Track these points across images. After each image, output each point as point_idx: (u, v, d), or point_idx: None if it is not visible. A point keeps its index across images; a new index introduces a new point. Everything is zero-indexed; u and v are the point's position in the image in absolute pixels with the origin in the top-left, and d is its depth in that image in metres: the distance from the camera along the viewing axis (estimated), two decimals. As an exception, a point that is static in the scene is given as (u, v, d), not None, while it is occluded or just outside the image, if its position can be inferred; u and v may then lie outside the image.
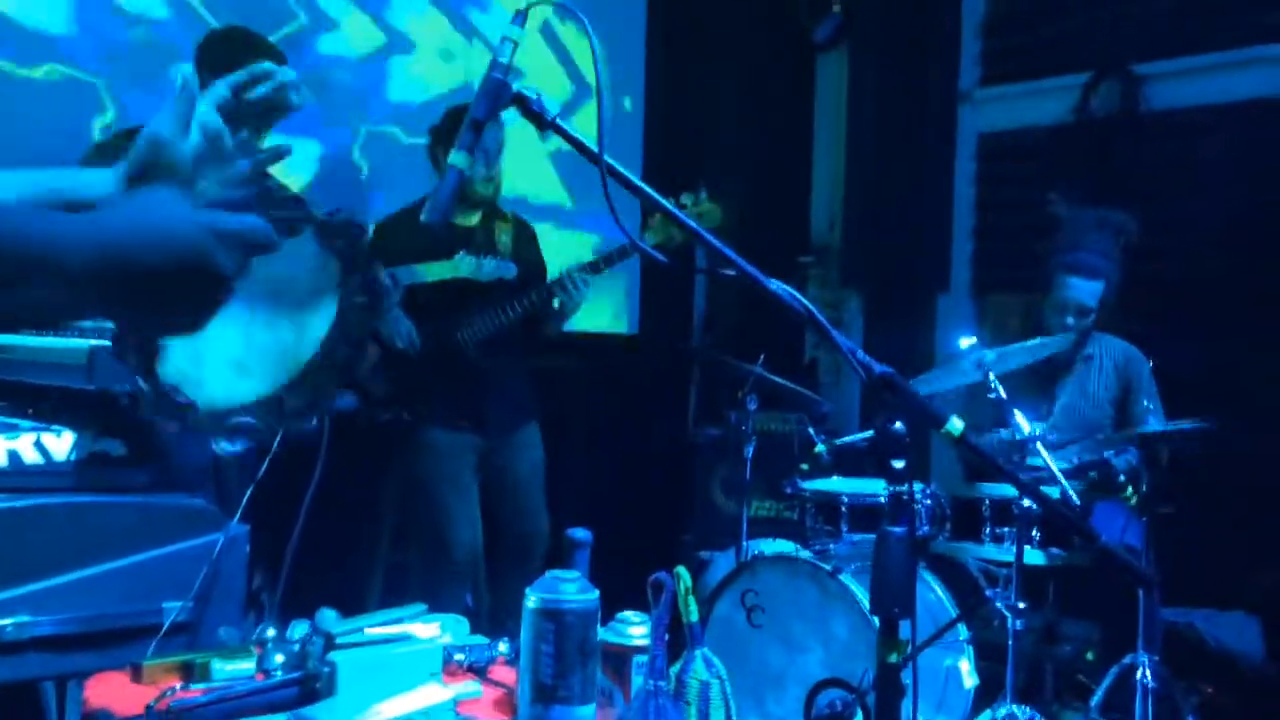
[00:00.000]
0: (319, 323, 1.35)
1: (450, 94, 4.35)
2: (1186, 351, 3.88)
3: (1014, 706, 2.80)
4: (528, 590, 1.66)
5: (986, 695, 2.98)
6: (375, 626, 1.88)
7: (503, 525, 3.71)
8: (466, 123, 1.44)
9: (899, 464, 1.36)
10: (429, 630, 1.94)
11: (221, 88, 1.33)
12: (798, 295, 1.40)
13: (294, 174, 3.91)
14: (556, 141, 1.54)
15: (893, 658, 1.35)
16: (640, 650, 1.72)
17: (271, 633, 1.89)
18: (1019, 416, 2.94)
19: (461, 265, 3.41)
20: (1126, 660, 2.93)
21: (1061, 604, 3.31)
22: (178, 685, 1.71)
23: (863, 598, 2.88)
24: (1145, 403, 3.52)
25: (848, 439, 3.58)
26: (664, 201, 1.49)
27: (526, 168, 4.44)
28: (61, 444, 1.57)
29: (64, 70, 3.54)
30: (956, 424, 1.40)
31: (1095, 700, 2.95)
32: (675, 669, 1.72)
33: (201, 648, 1.70)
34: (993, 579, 3.15)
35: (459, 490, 3.59)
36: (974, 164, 5.20)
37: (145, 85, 3.62)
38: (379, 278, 1.39)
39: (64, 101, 3.54)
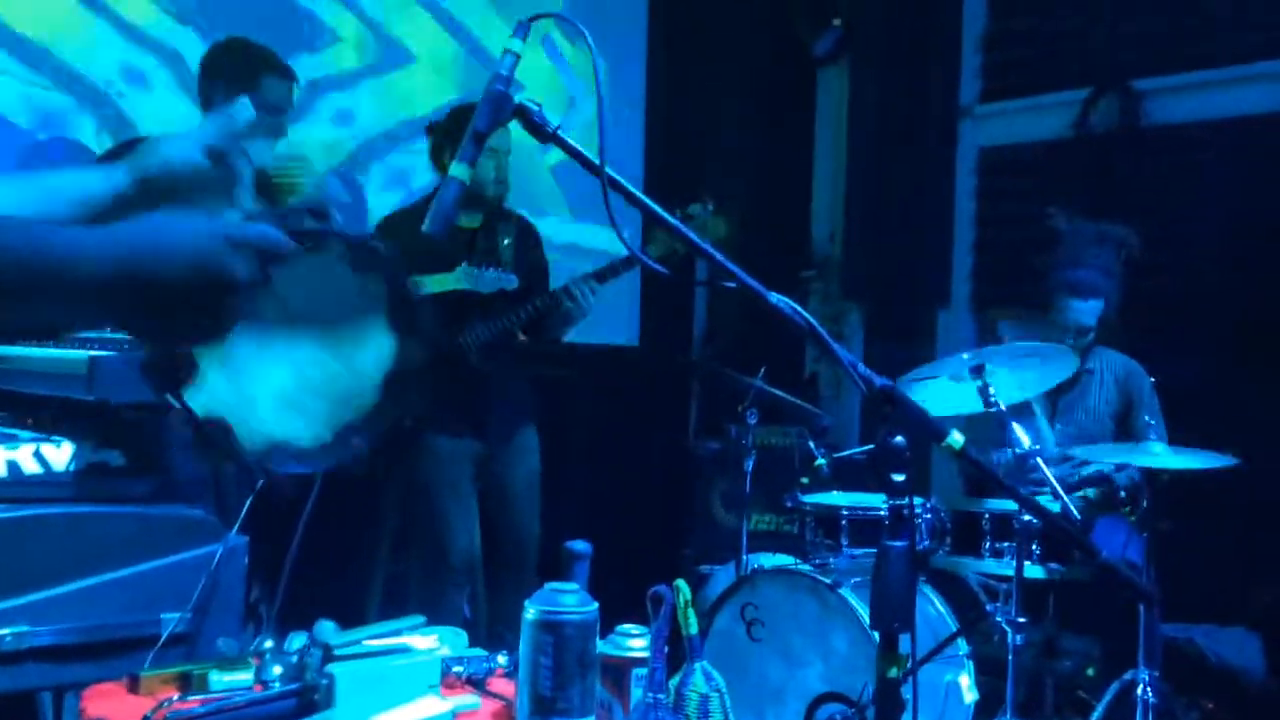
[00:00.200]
0: (367, 356, 1.35)
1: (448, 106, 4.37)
2: (1186, 366, 3.88)
3: (1014, 721, 2.80)
4: (526, 602, 1.66)
5: (986, 710, 2.97)
6: (373, 638, 1.88)
7: (499, 531, 3.71)
8: (468, 135, 1.44)
9: (899, 478, 1.36)
10: (427, 642, 1.93)
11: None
12: (799, 308, 1.41)
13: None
14: (558, 154, 1.54)
15: (893, 672, 1.35)
16: (639, 663, 1.71)
17: (270, 644, 1.88)
18: (1019, 430, 2.94)
19: (462, 278, 3.41)
20: (1127, 676, 2.92)
21: (1062, 619, 3.30)
22: (175, 696, 1.70)
23: (863, 612, 2.87)
24: (1146, 418, 3.52)
25: (848, 452, 3.59)
26: (665, 214, 1.49)
27: (527, 178, 4.45)
28: (61, 454, 1.57)
29: (63, 80, 3.55)
30: (957, 438, 1.40)
31: (1096, 716, 2.94)
32: (674, 682, 1.72)
33: (199, 659, 1.70)
34: (993, 593, 3.15)
35: (459, 497, 3.59)
36: (974, 178, 5.21)
37: (145, 96, 3.62)
38: (424, 313, 1.41)
39: (61, 112, 3.54)
